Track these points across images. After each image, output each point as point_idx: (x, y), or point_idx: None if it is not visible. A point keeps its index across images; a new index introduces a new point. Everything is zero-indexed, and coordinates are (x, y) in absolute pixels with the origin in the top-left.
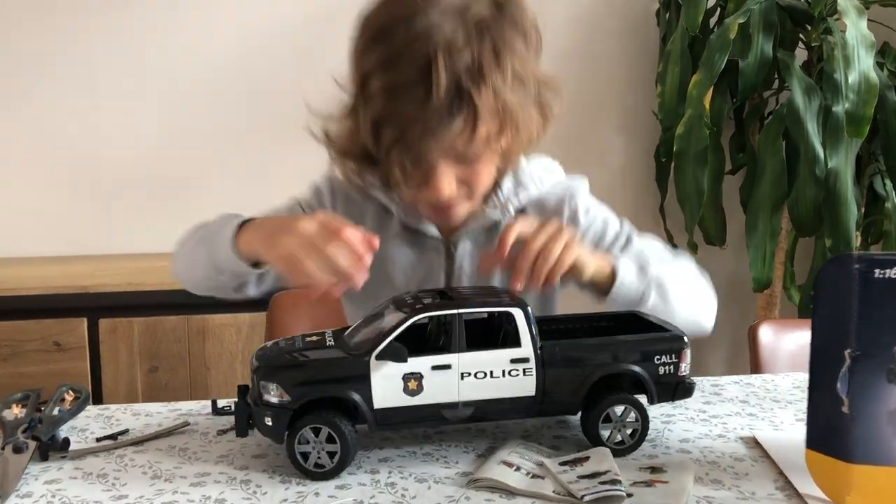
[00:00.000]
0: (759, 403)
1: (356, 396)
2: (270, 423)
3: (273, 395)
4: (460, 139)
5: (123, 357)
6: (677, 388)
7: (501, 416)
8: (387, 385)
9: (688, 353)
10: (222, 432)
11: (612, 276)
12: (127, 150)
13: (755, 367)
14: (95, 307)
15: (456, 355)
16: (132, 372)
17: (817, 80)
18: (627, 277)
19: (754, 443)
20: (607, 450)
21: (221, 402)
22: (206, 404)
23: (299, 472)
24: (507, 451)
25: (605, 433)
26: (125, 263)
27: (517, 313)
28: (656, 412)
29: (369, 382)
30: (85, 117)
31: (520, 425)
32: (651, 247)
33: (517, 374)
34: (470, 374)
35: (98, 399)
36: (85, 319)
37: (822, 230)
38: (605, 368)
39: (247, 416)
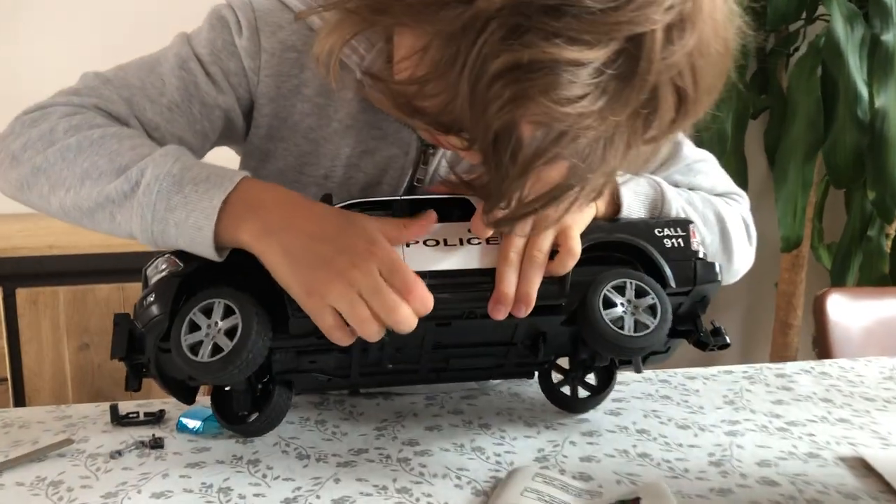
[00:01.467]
0: (847, 403)
1: None
2: (153, 301)
3: (161, 269)
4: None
5: (47, 333)
6: (698, 270)
7: (464, 303)
8: None
9: (698, 232)
10: (117, 454)
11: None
12: (52, 87)
13: (823, 348)
14: (12, 274)
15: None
16: (58, 350)
17: (859, 5)
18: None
19: (863, 467)
20: (663, 486)
21: (128, 407)
22: (105, 409)
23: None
24: (519, 485)
25: (612, 320)
26: (47, 223)
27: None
28: (713, 418)
29: None
30: (3, 53)
31: (532, 441)
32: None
33: (477, 243)
34: (417, 242)
35: (19, 385)
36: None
37: (861, 181)
38: (591, 238)
39: (125, 337)
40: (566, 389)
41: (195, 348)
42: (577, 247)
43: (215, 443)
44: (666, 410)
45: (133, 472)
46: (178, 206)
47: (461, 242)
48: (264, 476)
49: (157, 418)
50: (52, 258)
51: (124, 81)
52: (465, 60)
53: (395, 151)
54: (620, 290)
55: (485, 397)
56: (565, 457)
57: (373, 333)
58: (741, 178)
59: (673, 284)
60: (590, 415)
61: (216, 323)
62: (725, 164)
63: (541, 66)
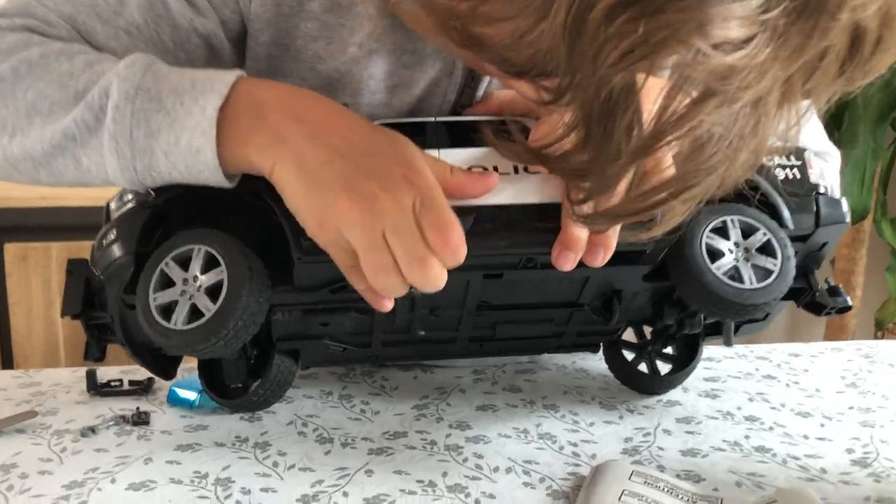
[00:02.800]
0: None
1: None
2: (114, 240)
3: (127, 200)
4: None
5: (38, 293)
6: (822, 208)
7: (520, 248)
8: None
9: (815, 162)
10: (90, 432)
11: None
12: None
13: None
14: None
15: (435, 150)
16: (50, 313)
17: None
18: None
19: None
20: (810, 494)
21: (112, 374)
22: (82, 375)
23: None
24: (614, 487)
25: (718, 269)
26: None
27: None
28: (837, 404)
29: None
30: None
31: (615, 428)
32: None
33: (535, 172)
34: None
35: (6, 350)
36: None
37: None
38: None
39: (81, 288)
40: (642, 367)
41: (168, 310)
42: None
43: (214, 419)
44: (774, 393)
45: (108, 454)
46: (162, 129)
47: (516, 171)
48: (275, 464)
49: (144, 388)
50: (45, 210)
51: None
52: None
53: (434, 74)
54: (721, 232)
55: (545, 372)
56: (661, 449)
57: (389, 287)
58: None
59: (790, 225)
60: (680, 396)
61: (195, 277)
62: None
63: None
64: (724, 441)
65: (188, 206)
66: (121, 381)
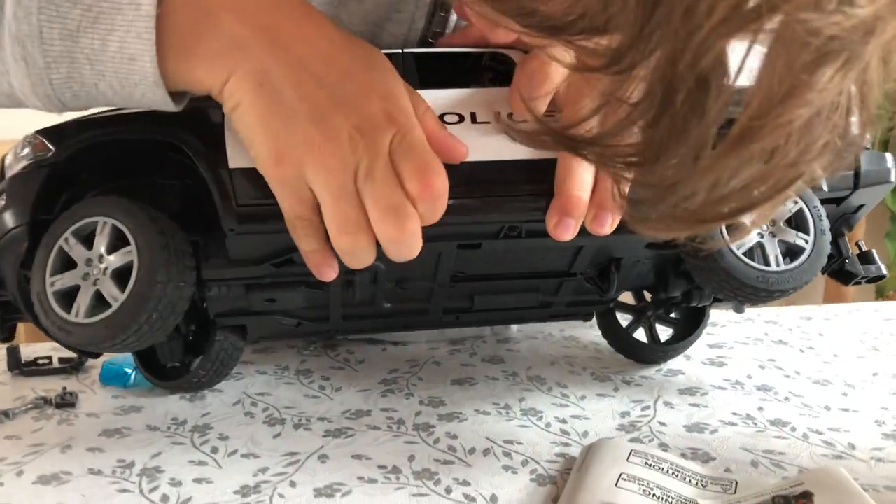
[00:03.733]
0: None
1: (193, 141)
2: (6, 206)
3: (23, 156)
4: None
5: None
6: (863, 165)
7: (504, 214)
8: None
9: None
10: (3, 417)
11: None
12: None
13: None
14: None
15: None
16: None
17: None
18: None
19: None
20: (841, 474)
21: (41, 350)
22: (4, 353)
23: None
24: (611, 469)
25: (739, 247)
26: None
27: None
28: (859, 371)
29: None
30: None
31: (609, 401)
32: None
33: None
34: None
35: None
36: None
37: None
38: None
39: None
40: (639, 334)
41: (70, 296)
42: None
43: (150, 401)
44: (787, 359)
45: (20, 442)
46: (83, 28)
47: (498, 119)
48: (214, 450)
49: (75, 366)
50: None
51: None
52: None
53: None
54: None
55: (530, 341)
56: (663, 424)
57: (354, 250)
58: None
59: (824, 186)
60: (682, 365)
61: (100, 257)
62: None
63: None
64: (735, 414)
65: (97, 164)
66: (50, 358)
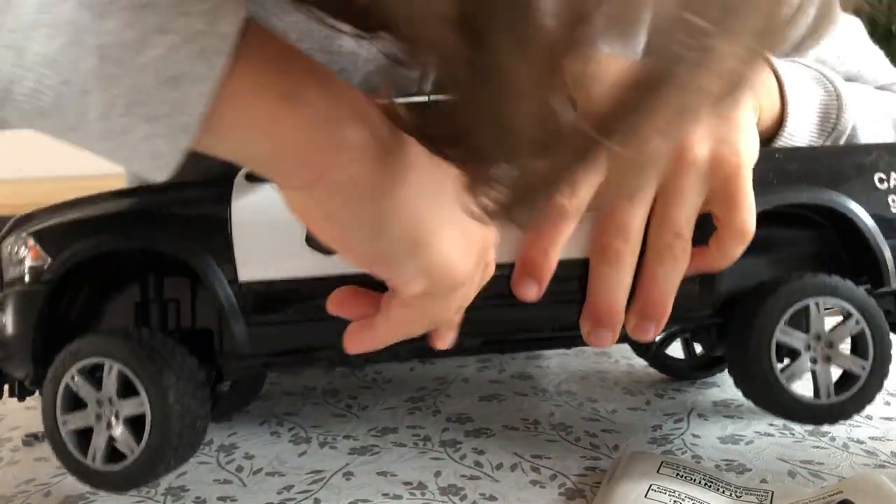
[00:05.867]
0: None
1: (202, 260)
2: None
3: (18, 259)
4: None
5: None
6: None
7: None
8: (269, 234)
9: None
10: (34, 439)
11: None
12: None
13: None
14: None
15: None
16: None
17: None
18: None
19: None
20: (881, 481)
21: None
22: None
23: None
24: (641, 482)
25: (789, 377)
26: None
27: None
28: None
29: (228, 227)
30: None
31: (641, 415)
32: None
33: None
34: None
35: None
36: None
37: None
38: (769, 200)
39: None
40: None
41: (87, 435)
42: (748, 217)
43: None
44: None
45: (48, 464)
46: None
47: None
48: (239, 469)
49: None
50: None
51: None
52: None
53: None
54: (798, 321)
55: (560, 357)
56: (696, 437)
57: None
58: None
59: (894, 284)
60: (715, 377)
61: (110, 400)
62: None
63: None
64: (772, 425)
65: (94, 276)
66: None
